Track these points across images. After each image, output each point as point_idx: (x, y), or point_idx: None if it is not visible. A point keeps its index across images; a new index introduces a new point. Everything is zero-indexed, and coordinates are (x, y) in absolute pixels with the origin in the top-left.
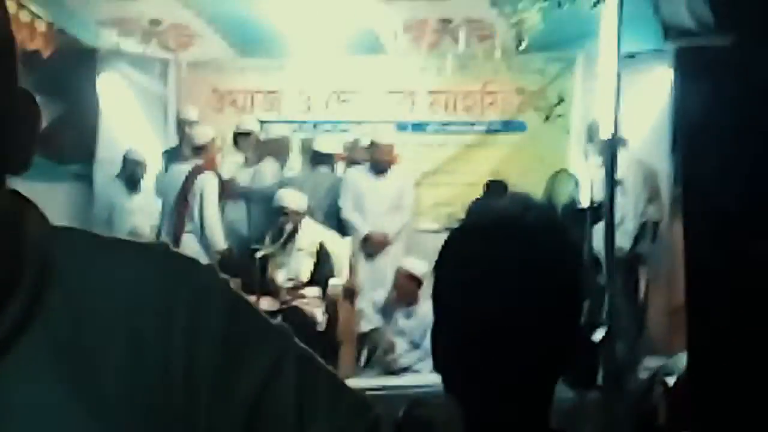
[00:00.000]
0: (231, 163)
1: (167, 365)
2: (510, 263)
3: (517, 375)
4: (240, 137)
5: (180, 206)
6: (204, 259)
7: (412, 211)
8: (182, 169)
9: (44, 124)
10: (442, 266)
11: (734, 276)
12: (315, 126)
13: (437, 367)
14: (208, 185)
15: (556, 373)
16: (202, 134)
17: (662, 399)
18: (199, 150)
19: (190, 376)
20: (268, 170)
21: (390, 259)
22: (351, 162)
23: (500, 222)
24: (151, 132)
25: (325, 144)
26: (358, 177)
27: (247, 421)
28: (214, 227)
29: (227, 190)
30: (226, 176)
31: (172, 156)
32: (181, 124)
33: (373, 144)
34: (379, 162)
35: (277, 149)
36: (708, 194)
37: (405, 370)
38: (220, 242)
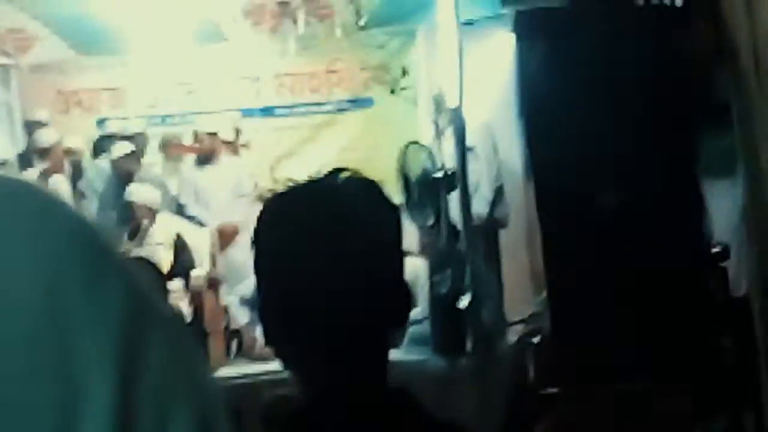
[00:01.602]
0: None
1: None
2: (325, 225)
3: (343, 337)
4: (101, 141)
5: None
6: None
7: (259, 197)
8: (29, 173)
9: None
10: (259, 237)
11: (584, 231)
12: (163, 120)
13: (268, 342)
14: (58, 189)
15: (384, 332)
16: (46, 137)
17: (530, 358)
18: (45, 153)
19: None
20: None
21: (247, 249)
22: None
23: (311, 186)
24: None
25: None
26: (189, 170)
27: None
28: None
29: (83, 190)
30: (82, 175)
31: (21, 162)
32: (28, 128)
33: (197, 134)
34: (205, 152)
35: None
36: (554, 153)
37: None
38: None
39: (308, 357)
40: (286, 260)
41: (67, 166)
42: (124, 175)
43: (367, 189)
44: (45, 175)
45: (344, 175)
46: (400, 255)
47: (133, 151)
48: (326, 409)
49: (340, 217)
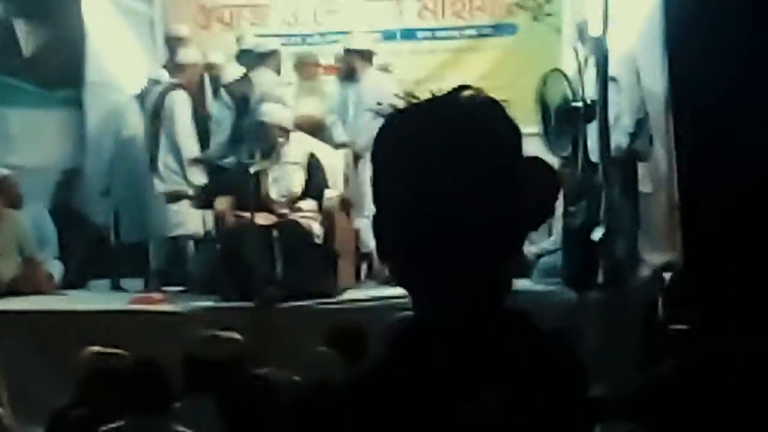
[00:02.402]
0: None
1: None
2: (443, 141)
3: (456, 257)
4: (241, 54)
5: (153, 125)
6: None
7: None
8: (157, 88)
9: (30, 50)
10: (378, 152)
11: (726, 168)
12: (303, 39)
13: (382, 258)
14: (177, 102)
15: (503, 253)
16: (184, 54)
17: (662, 294)
18: (180, 69)
19: None
20: (259, 85)
21: None
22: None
23: (433, 103)
24: (139, 52)
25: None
26: (327, 89)
27: None
28: (186, 144)
29: (209, 107)
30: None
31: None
32: (169, 43)
33: (336, 54)
34: (341, 73)
35: (269, 63)
36: (698, 87)
37: None
38: (195, 156)
39: (421, 276)
40: (403, 175)
41: (206, 82)
42: (239, 98)
43: (489, 108)
44: (168, 90)
45: (467, 93)
46: (518, 178)
47: (245, 75)
48: (441, 330)
49: (459, 134)
